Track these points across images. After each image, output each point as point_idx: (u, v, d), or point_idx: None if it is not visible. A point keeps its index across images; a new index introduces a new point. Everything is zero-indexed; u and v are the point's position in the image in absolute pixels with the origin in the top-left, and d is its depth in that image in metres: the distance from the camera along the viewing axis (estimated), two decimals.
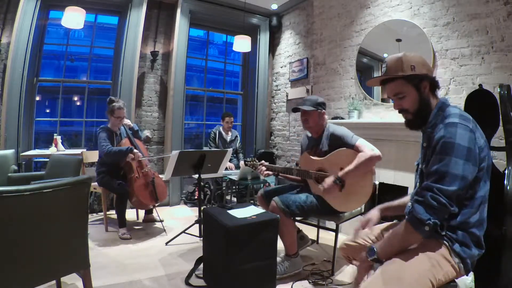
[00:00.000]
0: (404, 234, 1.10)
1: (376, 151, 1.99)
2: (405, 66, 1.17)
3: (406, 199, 1.42)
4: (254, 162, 2.38)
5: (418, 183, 1.28)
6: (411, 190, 1.73)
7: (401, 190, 2.65)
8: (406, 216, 1.12)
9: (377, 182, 2.05)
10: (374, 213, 1.40)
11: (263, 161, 2.36)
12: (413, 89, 1.19)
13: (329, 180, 2.00)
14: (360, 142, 2.05)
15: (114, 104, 2.96)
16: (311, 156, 2.24)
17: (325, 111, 2.25)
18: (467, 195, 1.10)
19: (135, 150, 2.90)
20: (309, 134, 2.38)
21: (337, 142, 2.13)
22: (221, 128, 4.10)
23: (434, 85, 1.22)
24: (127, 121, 3.14)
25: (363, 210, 2.43)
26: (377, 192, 2.15)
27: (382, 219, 1.44)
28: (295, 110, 2.27)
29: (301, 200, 2.12)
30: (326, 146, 2.19)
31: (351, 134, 2.12)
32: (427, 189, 1.06)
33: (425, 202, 1.05)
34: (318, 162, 2.19)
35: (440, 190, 1.03)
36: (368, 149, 2.00)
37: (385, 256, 1.14)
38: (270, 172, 2.31)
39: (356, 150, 2.03)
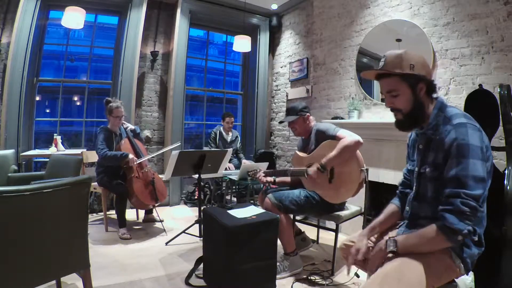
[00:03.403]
0: (434, 241, 1.05)
1: (356, 137, 2.05)
2: (404, 64, 1.13)
3: (389, 208, 1.37)
4: (254, 171, 2.51)
5: (415, 187, 1.25)
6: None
7: None
8: (437, 223, 1.04)
9: (365, 169, 2.07)
10: (362, 241, 1.28)
11: (261, 170, 2.48)
12: (408, 88, 1.14)
13: (312, 168, 2.09)
14: (341, 132, 2.12)
15: (111, 104, 2.98)
16: (300, 155, 2.33)
17: (309, 114, 2.34)
18: None
19: (130, 156, 2.88)
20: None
21: (322, 136, 2.21)
22: (221, 128, 4.10)
23: (431, 88, 1.17)
24: (128, 125, 3.19)
25: (362, 210, 2.43)
26: (367, 180, 2.16)
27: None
28: (281, 123, 2.40)
29: (294, 195, 2.18)
30: (314, 143, 2.27)
31: (333, 127, 2.20)
32: (454, 196, 1.02)
33: (456, 209, 1.00)
34: (307, 159, 2.27)
35: (468, 195, 0.99)
36: (347, 135, 2.07)
37: (405, 252, 1.09)
38: (270, 179, 2.40)
39: (337, 140, 2.09)
